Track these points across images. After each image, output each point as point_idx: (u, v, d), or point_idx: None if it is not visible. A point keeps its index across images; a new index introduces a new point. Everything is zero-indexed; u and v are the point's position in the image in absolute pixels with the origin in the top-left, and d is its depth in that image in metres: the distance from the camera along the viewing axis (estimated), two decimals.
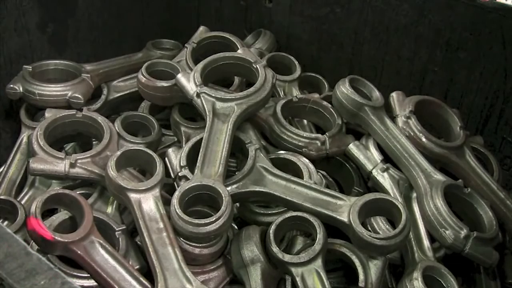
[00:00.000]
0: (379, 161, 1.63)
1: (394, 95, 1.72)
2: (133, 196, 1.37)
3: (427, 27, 1.86)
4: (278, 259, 1.33)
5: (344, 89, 1.67)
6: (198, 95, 1.55)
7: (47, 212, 1.39)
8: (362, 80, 1.74)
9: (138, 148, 1.49)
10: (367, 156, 1.65)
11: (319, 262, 1.32)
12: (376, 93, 1.72)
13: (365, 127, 1.68)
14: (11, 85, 1.73)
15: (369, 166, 1.63)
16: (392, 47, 1.97)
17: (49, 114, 1.60)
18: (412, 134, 1.63)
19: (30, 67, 1.77)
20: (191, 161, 1.46)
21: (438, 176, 1.55)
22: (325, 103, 1.75)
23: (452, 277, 1.42)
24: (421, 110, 1.69)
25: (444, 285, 1.42)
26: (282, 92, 1.90)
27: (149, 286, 1.28)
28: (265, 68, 1.61)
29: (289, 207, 1.44)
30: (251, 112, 1.58)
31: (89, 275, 1.30)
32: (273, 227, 1.37)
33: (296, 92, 1.89)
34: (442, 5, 1.81)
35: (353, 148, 1.66)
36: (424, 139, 1.62)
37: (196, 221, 1.28)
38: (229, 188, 1.39)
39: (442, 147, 1.63)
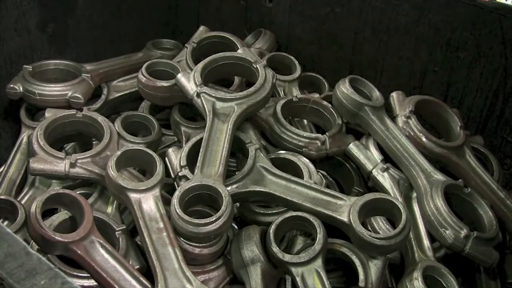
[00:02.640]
0: (379, 161, 1.63)
1: (394, 95, 1.72)
2: (133, 196, 1.37)
3: (427, 27, 1.86)
4: (278, 259, 1.33)
5: (344, 89, 1.67)
6: (198, 95, 1.55)
7: (47, 212, 1.38)
8: (362, 80, 1.74)
9: (138, 148, 1.49)
10: (367, 156, 1.65)
11: (319, 262, 1.32)
12: (376, 93, 1.72)
13: (365, 127, 1.68)
14: (11, 85, 1.73)
15: (369, 166, 1.63)
16: (392, 47, 1.97)
17: (49, 114, 1.60)
18: (412, 134, 1.63)
19: (30, 67, 1.77)
20: (191, 161, 1.46)
21: (438, 176, 1.55)
22: (325, 103, 1.75)
23: (452, 277, 1.42)
24: (421, 110, 1.69)
25: (444, 285, 1.42)
26: (282, 92, 1.90)
27: (149, 286, 1.28)
28: (265, 68, 1.61)
29: (289, 207, 1.44)
30: (251, 112, 1.58)
31: (89, 275, 1.30)
32: (273, 227, 1.37)
33: (296, 92, 1.89)
34: (442, 5, 1.81)
35: (353, 148, 1.66)
36: (424, 139, 1.62)
37: (196, 221, 1.28)
38: (229, 188, 1.39)
39: (442, 147, 1.63)
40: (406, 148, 1.60)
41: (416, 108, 1.67)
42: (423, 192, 1.53)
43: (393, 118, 1.68)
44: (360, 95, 1.67)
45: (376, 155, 1.64)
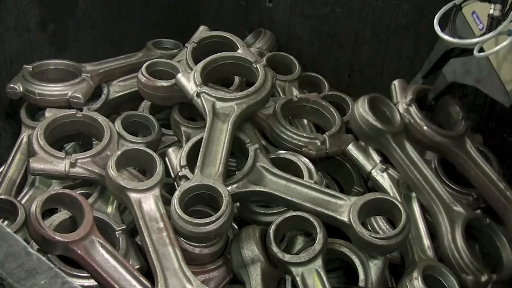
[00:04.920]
0: (378, 161, 1.62)
1: (396, 82, 1.70)
2: (133, 195, 1.37)
3: (427, 27, 1.86)
4: (278, 259, 1.33)
5: (363, 111, 1.58)
6: (198, 94, 1.55)
7: (47, 212, 1.38)
8: (384, 99, 1.66)
9: (138, 147, 1.49)
10: (366, 156, 1.64)
11: (319, 262, 1.32)
12: (397, 116, 1.63)
13: (384, 152, 1.62)
14: (11, 85, 1.73)
15: (368, 167, 1.63)
16: (392, 47, 1.97)
17: (49, 113, 1.60)
18: (412, 121, 1.61)
19: (30, 66, 1.77)
20: (191, 160, 1.46)
21: (459, 209, 1.51)
22: (325, 102, 1.75)
23: (453, 276, 1.41)
24: (422, 99, 1.67)
25: (445, 284, 1.42)
26: (282, 92, 1.90)
27: (149, 286, 1.28)
28: (265, 68, 1.61)
29: (289, 206, 1.44)
30: (251, 111, 1.58)
31: (89, 275, 1.30)
32: (273, 226, 1.37)
33: (296, 92, 1.89)
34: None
35: (353, 148, 1.65)
36: (424, 127, 1.60)
37: (196, 220, 1.28)
38: (229, 188, 1.39)
39: (443, 136, 1.61)
40: (427, 180, 1.56)
41: (417, 96, 1.65)
42: (443, 231, 1.49)
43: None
44: (379, 117, 1.59)
45: (375, 155, 1.63)
